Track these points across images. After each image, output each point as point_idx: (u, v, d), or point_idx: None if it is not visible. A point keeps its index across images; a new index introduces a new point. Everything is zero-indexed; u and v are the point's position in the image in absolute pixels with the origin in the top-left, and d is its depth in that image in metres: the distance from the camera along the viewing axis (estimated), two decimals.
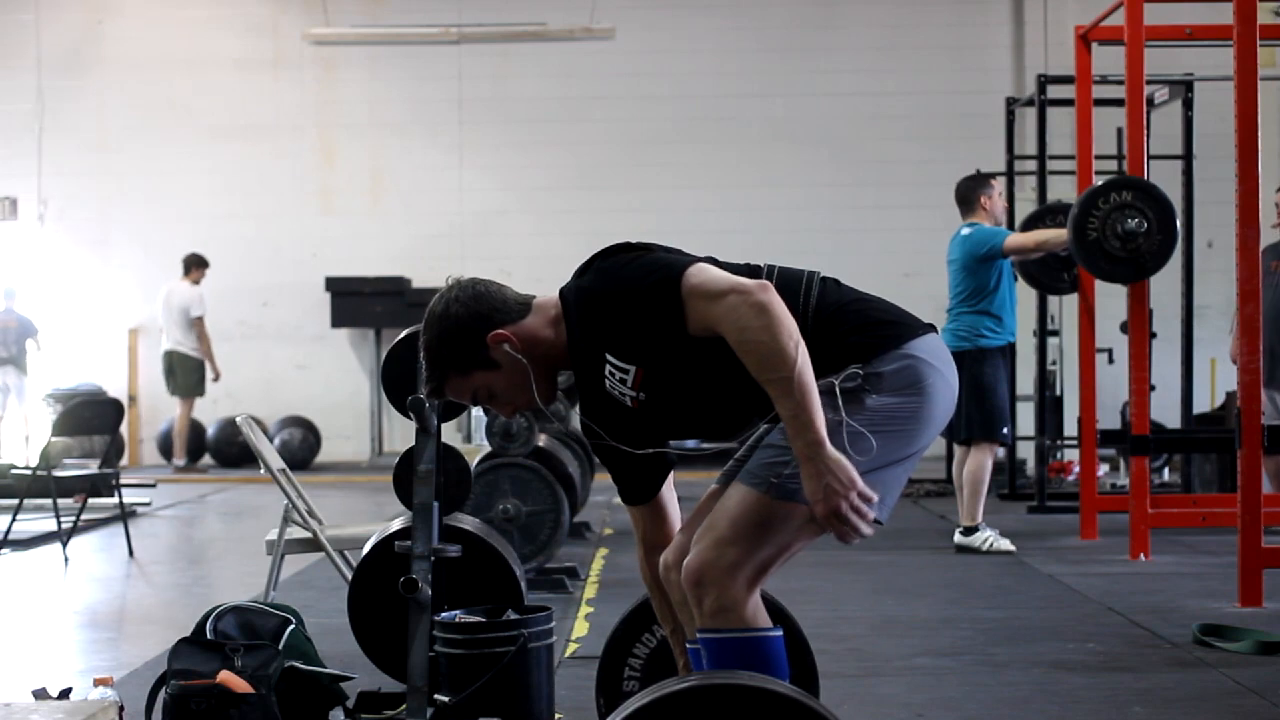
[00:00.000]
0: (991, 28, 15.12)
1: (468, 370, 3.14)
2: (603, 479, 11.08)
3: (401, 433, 14.66)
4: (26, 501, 8.61)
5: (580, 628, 5.87)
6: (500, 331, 3.12)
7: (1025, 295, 10.08)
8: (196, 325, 13.81)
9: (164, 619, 6.27)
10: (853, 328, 3.05)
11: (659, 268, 2.98)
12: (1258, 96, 6.20)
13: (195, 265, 13.96)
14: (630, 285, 2.99)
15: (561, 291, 3.17)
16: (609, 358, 3.04)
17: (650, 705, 2.48)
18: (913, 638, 5.72)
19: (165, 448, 14.75)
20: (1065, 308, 12.11)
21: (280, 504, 5.61)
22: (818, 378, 2.89)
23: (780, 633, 3.02)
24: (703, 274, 2.93)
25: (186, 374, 13.87)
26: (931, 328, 3.14)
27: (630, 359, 3.02)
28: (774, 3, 15.08)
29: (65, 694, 4.14)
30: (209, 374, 13.98)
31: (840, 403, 2.97)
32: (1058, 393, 11.73)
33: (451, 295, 3.17)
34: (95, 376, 14.86)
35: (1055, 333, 11.66)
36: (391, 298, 14.56)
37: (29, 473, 8.53)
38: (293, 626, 4.30)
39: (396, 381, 4.44)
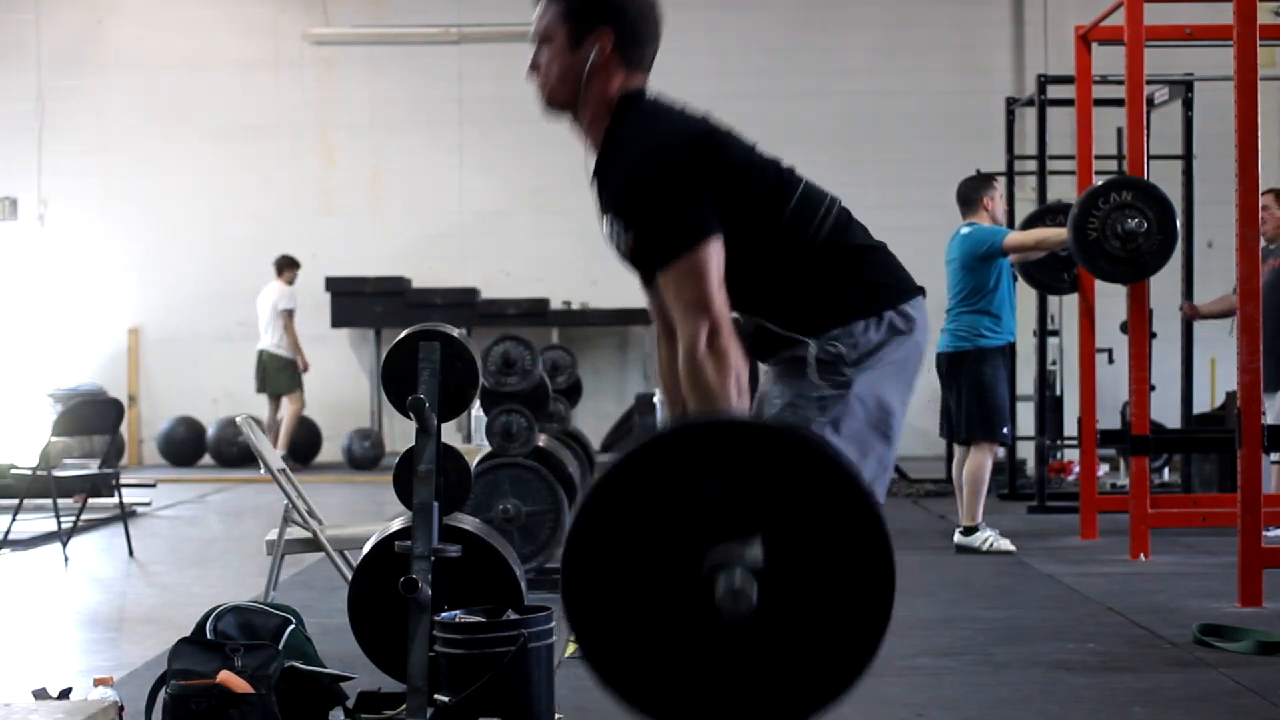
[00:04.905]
0: (991, 28, 15.12)
1: (564, 23, 3.10)
2: None
3: (401, 433, 14.65)
4: (26, 501, 8.61)
5: None
6: (607, 37, 3.10)
7: (1025, 295, 10.07)
8: (284, 318, 13.94)
9: (164, 619, 6.26)
10: (850, 280, 3.08)
11: (669, 230, 2.96)
12: (1258, 96, 6.20)
13: (287, 266, 14.13)
14: (648, 204, 2.97)
15: (624, 101, 3.10)
16: (610, 214, 3.05)
17: (640, 449, 2.59)
18: (913, 638, 5.72)
19: (165, 448, 14.75)
20: (1065, 308, 12.11)
21: (280, 504, 5.61)
22: (804, 318, 3.02)
23: None
24: (689, 273, 2.93)
25: (277, 372, 14.00)
26: (921, 290, 3.19)
27: (627, 238, 3.03)
28: (774, 3, 15.07)
29: (65, 694, 4.14)
30: (300, 368, 14.10)
31: (826, 399, 3.03)
32: (1058, 393, 11.73)
33: None
34: (95, 376, 14.86)
35: (1055, 333, 11.66)
36: (391, 298, 14.55)
37: (29, 473, 8.53)
38: (293, 626, 4.30)
39: (396, 381, 4.45)
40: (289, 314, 13.98)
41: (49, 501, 8.32)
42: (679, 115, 3.08)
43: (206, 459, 14.72)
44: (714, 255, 2.96)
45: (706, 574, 2.57)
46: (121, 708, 3.92)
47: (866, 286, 3.09)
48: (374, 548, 4.58)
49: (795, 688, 2.62)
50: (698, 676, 2.61)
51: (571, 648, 5.43)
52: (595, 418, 13.42)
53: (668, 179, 2.96)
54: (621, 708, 2.66)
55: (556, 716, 4.22)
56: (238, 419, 5.94)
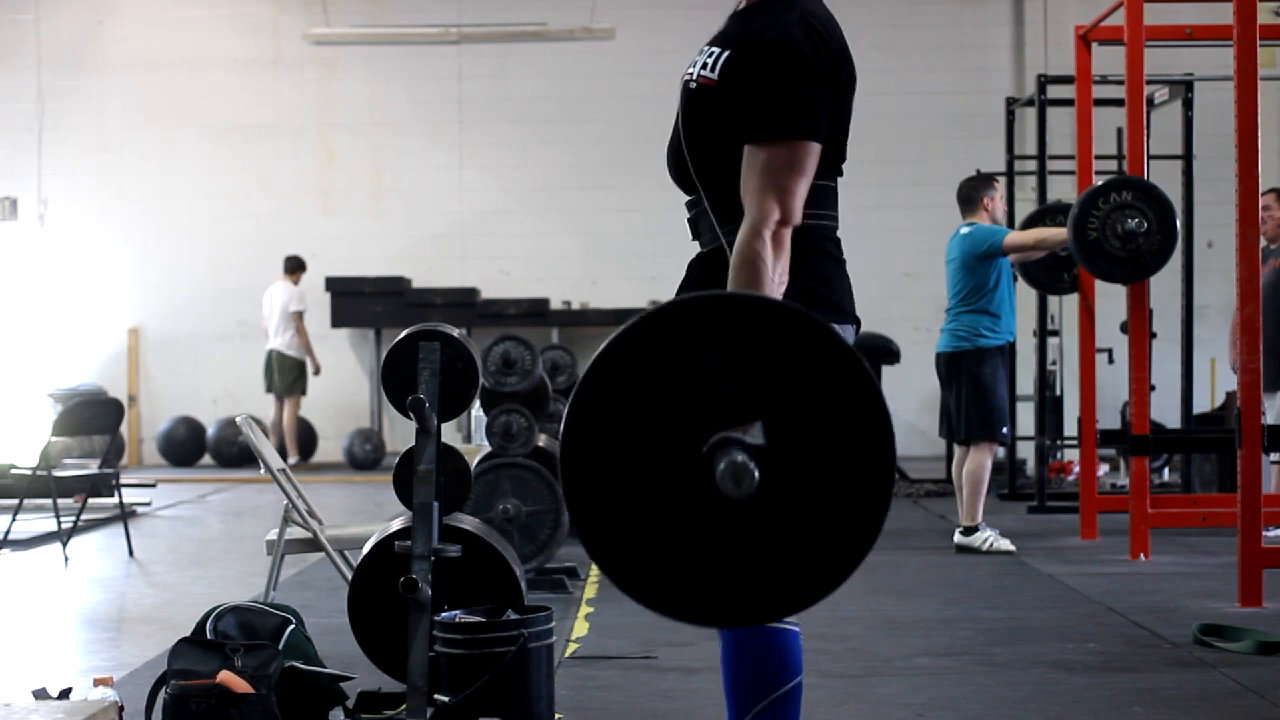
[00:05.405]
0: (991, 28, 15.11)
1: None
2: None
3: (401, 433, 14.66)
4: (26, 501, 8.61)
5: (580, 628, 5.87)
6: None
7: (1025, 295, 10.07)
8: (294, 320, 14.01)
9: (164, 619, 6.27)
10: (794, 281, 3.04)
11: (795, 112, 2.97)
12: (1258, 96, 6.20)
13: (296, 267, 14.22)
14: (789, 73, 2.97)
15: None
16: (724, 49, 3.06)
17: (644, 321, 2.53)
18: (913, 638, 5.72)
19: (165, 448, 14.76)
20: (1065, 308, 12.10)
21: (280, 504, 5.61)
22: None
23: None
24: (789, 160, 2.94)
25: (284, 373, 14.08)
26: (856, 321, 3.16)
27: (722, 73, 3.05)
28: None
29: (65, 694, 4.14)
30: (309, 369, 14.18)
31: None
32: (1058, 393, 11.72)
33: None
34: (95, 376, 14.86)
35: (1055, 333, 11.65)
36: (391, 298, 14.56)
37: (29, 473, 8.53)
38: (293, 626, 4.30)
39: (396, 382, 4.45)
40: (300, 316, 14.03)
41: (49, 501, 8.33)
42: (841, 36, 3.14)
43: (206, 459, 14.72)
44: (814, 159, 2.98)
45: (707, 453, 2.50)
46: (121, 708, 3.92)
47: (803, 288, 3.07)
48: (374, 548, 4.58)
49: (793, 574, 2.57)
50: (697, 561, 2.54)
51: (572, 647, 5.43)
52: None
53: (817, 70, 3.00)
54: (624, 594, 2.60)
55: (556, 716, 4.22)
56: (238, 419, 5.94)
